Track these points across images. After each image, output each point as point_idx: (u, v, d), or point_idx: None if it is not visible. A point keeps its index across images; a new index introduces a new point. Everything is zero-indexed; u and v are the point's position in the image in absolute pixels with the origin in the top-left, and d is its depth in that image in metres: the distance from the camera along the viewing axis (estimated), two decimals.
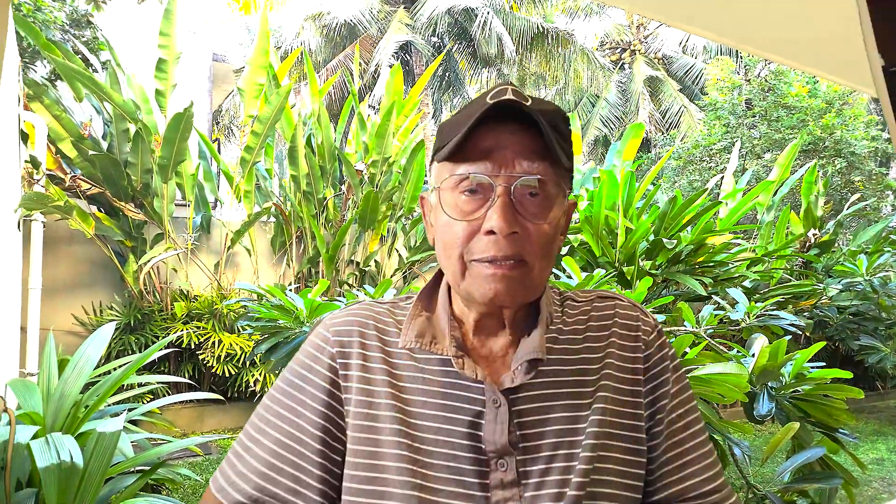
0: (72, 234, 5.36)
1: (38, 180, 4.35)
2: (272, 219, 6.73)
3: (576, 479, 0.65)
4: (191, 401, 5.51)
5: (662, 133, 15.22)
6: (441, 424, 0.69)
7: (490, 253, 0.66)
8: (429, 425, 0.69)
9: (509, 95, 0.66)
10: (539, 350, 0.69)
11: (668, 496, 0.72)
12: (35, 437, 1.94)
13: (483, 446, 0.67)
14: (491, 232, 0.65)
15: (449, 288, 0.77)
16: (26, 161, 4.34)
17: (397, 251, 7.24)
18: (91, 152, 4.99)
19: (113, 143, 5.44)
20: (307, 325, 2.29)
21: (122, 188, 5.25)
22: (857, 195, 7.54)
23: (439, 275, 0.79)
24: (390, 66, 7.57)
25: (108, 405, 2.96)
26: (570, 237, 4.15)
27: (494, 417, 0.68)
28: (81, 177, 5.07)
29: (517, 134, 0.67)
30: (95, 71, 6.34)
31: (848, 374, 1.59)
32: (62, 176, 4.94)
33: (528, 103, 0.66)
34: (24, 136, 4.40)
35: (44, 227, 4.41)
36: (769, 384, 1.57)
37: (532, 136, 0.67)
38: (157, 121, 5.66)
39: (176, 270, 5.92)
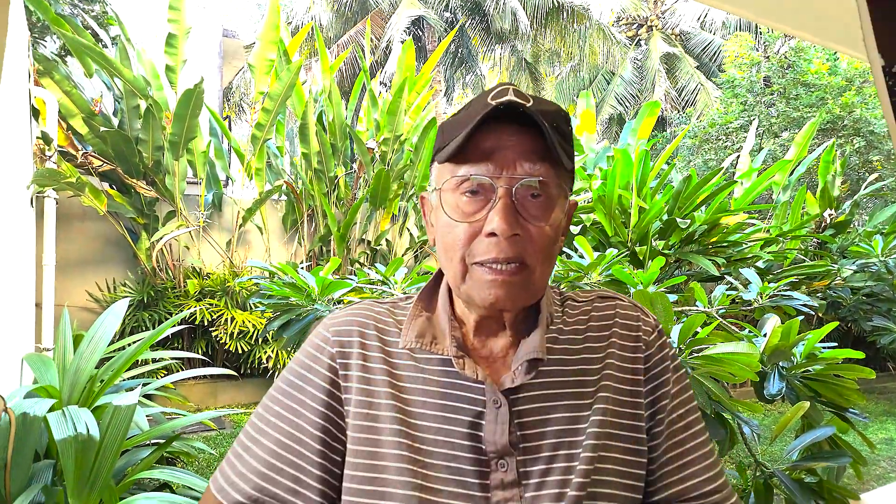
0: (84, 211, 5.41)
1: (50, 157, 4.37)
2: (283, 197, 6.74)
3: (576, 480, 0.65)
4: (204, 377, 5.60)
5: (678, 111, 14.99)
6: (441, 425, 0.69)
7: (491, 255, 0.65)
8: (429, 425, 0.69)
9: (511, 96, 0.65)
10: (539, 350, 0.69)
11: (668, 496, 0.72)
12: (51, 409, 1.97)
13: (483, 447, 0.67)
14: (492, 234, 0.65)
15: (449, 288, 0.76)
16: (38, 137, 4.36)
17: (409, 230, 7.24)
18: (102, 129, 5.01)
19: (124, 120, 5.45)
20: (319, 302, 2.31)
21: (134, 165, 5.27)
22: (875, 175, 7.40)
23: (439, 275, 0.79)
24: (402, 42, 7.49)
25: (123, 380, 3.00)
26: (583, 216, 4.12)
27: (495, 418, 0.68)
28: (93, 153, 5.10)
29: (518, 135, 0.67)
30: (105, 46, 6.33)
31: (860, 354, 1.58)
32: (74, 153, 4.97)
33: (530, 104, 0.66)
34: (35, 112, 4.41)
35: (56, 203, 4.45)
36: (780, 364, 1.57)
37: (533, 137, 0.66)
38: (168, 97, 5.66)
39: (188, 248, 5.96)
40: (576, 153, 5.62)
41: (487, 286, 0.66)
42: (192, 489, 2.17)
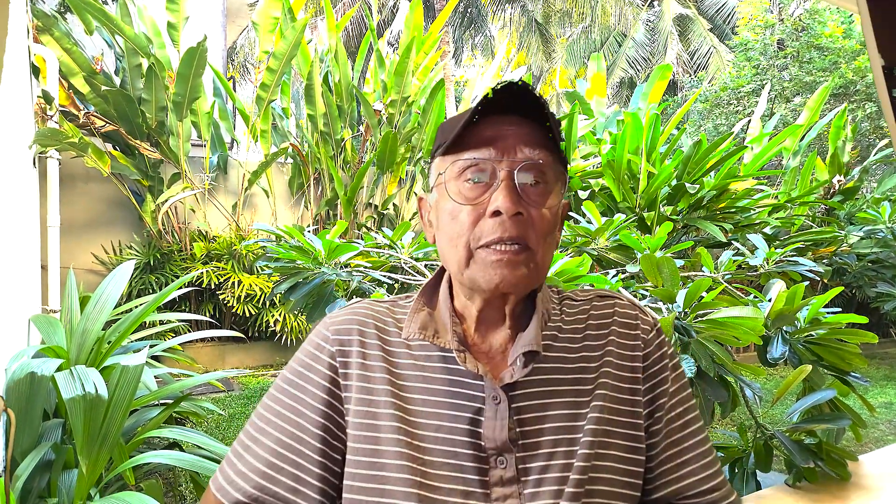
0: (88, 173, 5.39)
1: (52, 116, 4.32)
2: (289, 160, 6.70)
3: (574, 476, 0.66)
4: (212, 339, 5.67)
5: (690, 75, 14.72)
6: (441, 422, 0.69)
7: (496, 234, 0.66)
8: (429, 423, 0.69)
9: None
10: (535, 343, 0.69)
11: (666, 494, 0.73)
12: (59, 369, 2.00)
13: (483, 443, 0.68)
14: (496, 213, 0.67)
15: (450, 285, 0.78)
16: (38, 96, 4.31)
17: (416, 194, 7.20)
18: (104, 88, 4.95)
19: (126, 79, 5.38)
20: (326, 265, 2.31)
21: (137, 126, 5.23)
22: (886, 141, 7.28)
23: (440, 272, 0.80)
24: (410, 0, 7.32)
25: (131, 342, 3.04)
26: (591, 181, 4.09)
27: (494, 414, 0.68)
28: (95, 113, 5.06)
29: (517, 125, 0.69)
30: (105, 2, 6.21)
31: (863, 319, 1.57)
32: (76, 112, 4.92)
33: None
34: (35, 70, 4.35)
35: (59, 164, 4.42)
36: (784, 328, 1.56)
37: (531, 127, 0.69)
38: (171, 56, 5.58)
39: (194, 211, 5.96)
40: (585, 117, 5.56)
41: (492, 266, 0.67)
42: (202, 448, 2.21)
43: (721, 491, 0.73)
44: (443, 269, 0.79)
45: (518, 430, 0.68)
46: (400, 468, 0.67)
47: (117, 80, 5.52)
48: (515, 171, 0.67)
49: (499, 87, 0.67)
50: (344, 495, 0.69)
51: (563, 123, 4.02)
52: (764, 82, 8.73)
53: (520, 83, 0.66)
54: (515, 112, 0.69)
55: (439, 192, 0.73)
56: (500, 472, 0.67)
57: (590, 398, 0.71)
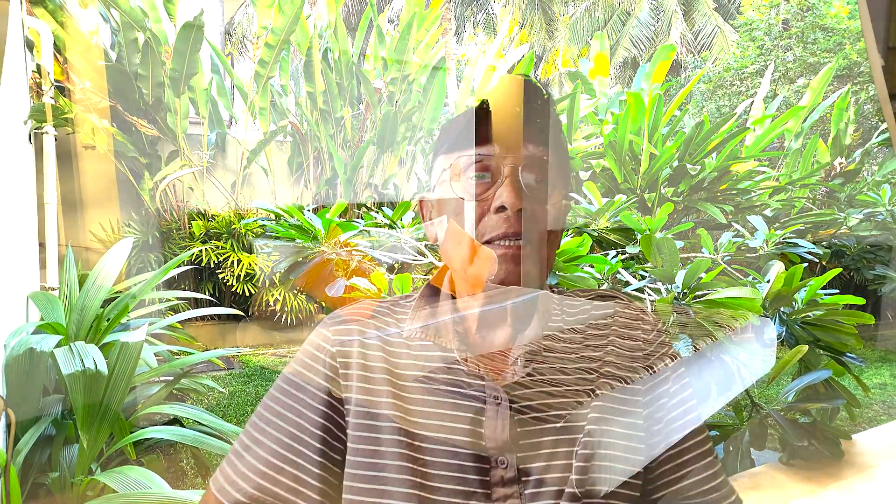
0: (84, 150, 5.35)
1: (47, 91, 4.27)
2: (288, 138, 6.66)
3: (575, 477, 0.66)
4: (212, 318, 5.67)
5: (694, 55, 14.57)
6: (443, 422, 0.69)
7: (501, 230, 0.67)
8: (429, 423, 0.69)
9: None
10: (535, 342, 0.70)
11: (666, 494, 0.73)
12: (58, 346, 2.00)
13: (484, 443, 0.68)
14: (501, 209, 0.67)
15: (452, 285, 0.78)
16: (33, 71, 4.25)
17: (416, 174, 7.18)
18: (99, 62, 4.89)
19: (122, 54, 5.32)
20: (325, 245, 2.31)
21: (134, 102, 5.18)
22: (886, 125, 7.24)
23: (442, 272, 0.80)
24: None
25: (130, 319, 3.04)
26: (592, 162, 4.08)
27: (495, 414, 0.68)
28: (91, 89, 5.00)
29: (521, 121, 0.70)
30: None
31: (860, 300, 1.58)
32: (71, 88, 4.87)
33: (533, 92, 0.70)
34: (30, 44, 4.29)
35: (55, 140, 4.37)
36: (782, 309, 1.57)
37: (535, 124, 0.70)
38: (167, 30, 5.50)
39: (192, 189, 5.94)
40: (588, 97, 5.52)
41: (497, 261, 0.67)
42: (203, 424, 2.23)
43: (722, 491, 0.73)
44: (444, 269, 0.80)
45: (519, 430, 0.68)
46: (399, 469, 0.67)
47: (113, 55, 5.45)
48: (520, 168, 0.68)
49: (502, 83, 0.67)
50: (344, 496, 0.69)
51: (566, 103, 3.99)
52: (767, 63, 8.66)
53: (524, 78, 0.67)
54: (519, 108, 0.70)
55: (442, 189, 0.73)
56: (501, 472, 0.67)
57: (590, 398, 0.71)
